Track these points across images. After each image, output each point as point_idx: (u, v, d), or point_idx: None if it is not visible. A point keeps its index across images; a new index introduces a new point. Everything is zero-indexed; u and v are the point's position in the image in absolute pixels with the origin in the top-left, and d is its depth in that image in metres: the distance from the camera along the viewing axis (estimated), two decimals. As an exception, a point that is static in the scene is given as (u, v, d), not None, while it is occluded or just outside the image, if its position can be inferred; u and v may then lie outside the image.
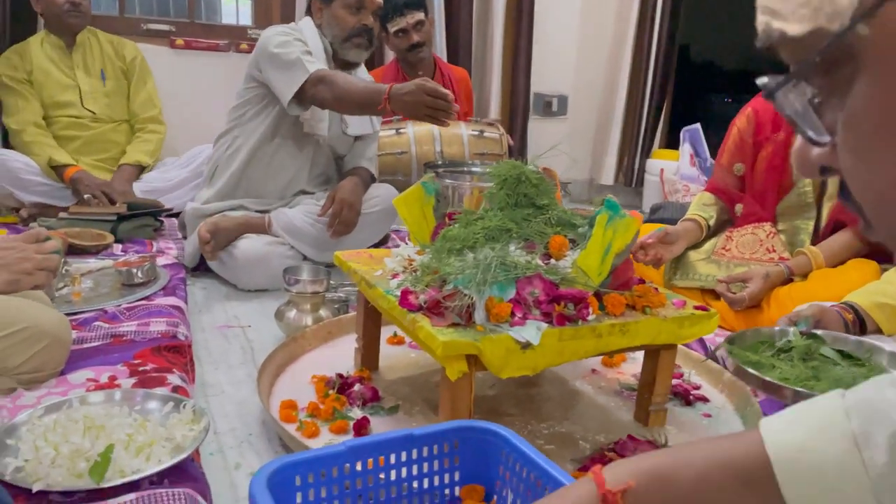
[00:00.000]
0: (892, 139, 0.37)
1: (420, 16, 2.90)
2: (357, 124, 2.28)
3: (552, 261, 1.19)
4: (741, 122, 1.92)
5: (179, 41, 3.18)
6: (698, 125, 3.79)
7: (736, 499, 0.55)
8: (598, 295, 1.16)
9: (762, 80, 0.42)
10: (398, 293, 1.17)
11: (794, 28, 0.39)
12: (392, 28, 2.90)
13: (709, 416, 1.36)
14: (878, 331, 1.49)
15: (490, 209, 1.27)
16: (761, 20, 0.43)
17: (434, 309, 1.09)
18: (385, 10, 2.89)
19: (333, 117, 2.21)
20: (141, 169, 2.71)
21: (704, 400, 1.42)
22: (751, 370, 1.32)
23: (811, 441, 0.53)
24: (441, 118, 1.80)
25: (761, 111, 1.88)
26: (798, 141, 0.44)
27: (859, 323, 1.47)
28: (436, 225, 1.36)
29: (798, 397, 1.21)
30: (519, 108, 3.71)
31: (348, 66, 2.20)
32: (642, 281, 1.28)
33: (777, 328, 1.45)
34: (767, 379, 1.29)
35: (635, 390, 1.43)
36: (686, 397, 1.40)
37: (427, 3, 3.06)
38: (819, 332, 1.41)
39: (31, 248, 1.15)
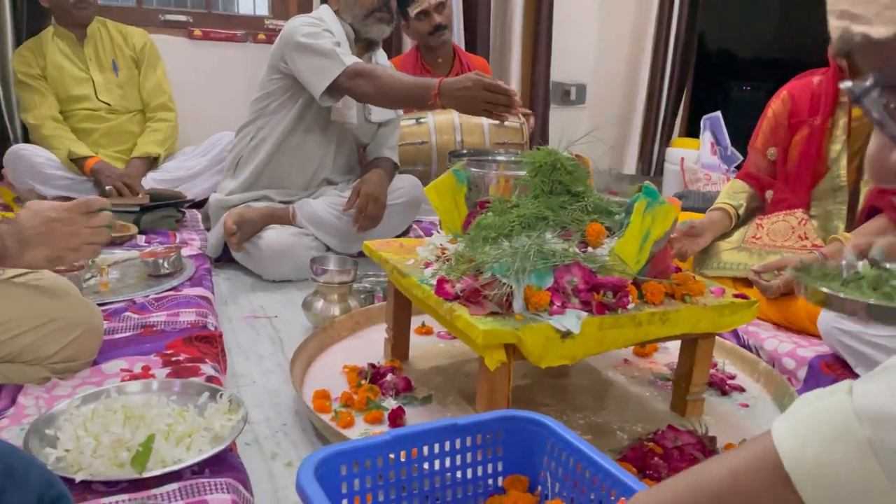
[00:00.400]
0: None
1: None
2: (380, 111, 2.26)
3: (589, 249, 1.17)
4: (776, 105, 1.89)
5: (197, 32, 3.17)
6: (719, 113, 3.75)
7: None
8: (636, 283, 1.14)
9: (846, 85, 0.41)
10: (433, 282, 1.16)
11: (881, 31, 0.39)
12: (413, 10, 2.86)
13: (746, 405, 1.34)
14: None
15: (525, 197, 1.25)
16: (838, 25, 0.42)
17: (472, 298, 1.08)
18: None
19: (359, 105, 2.19)
20: (153, 160, 2.71)
21: (740, 390, 1.40)
22: (825, 289, 1.17)
23: (828, 454, 0.49)
24: (501, 114, 1.74)
25: (797, 94, 1.85)
26: (873, 146, 0.43)
27: None
28: (468, 213, 1.34)
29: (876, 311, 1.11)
30: (539, 96, 3.68)
31: (371, 45, 2.18)
32: (679, 269, 1.26)
33: (844, 262, 1.31)
34: (849, 297, 1.14)
35: (669, 380, 1.42)
36: (722, 387, 1.38)
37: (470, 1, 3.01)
38: (889, 265, 1.27)
39: (81, 221, 1.12)
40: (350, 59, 1.95)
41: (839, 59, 1.76)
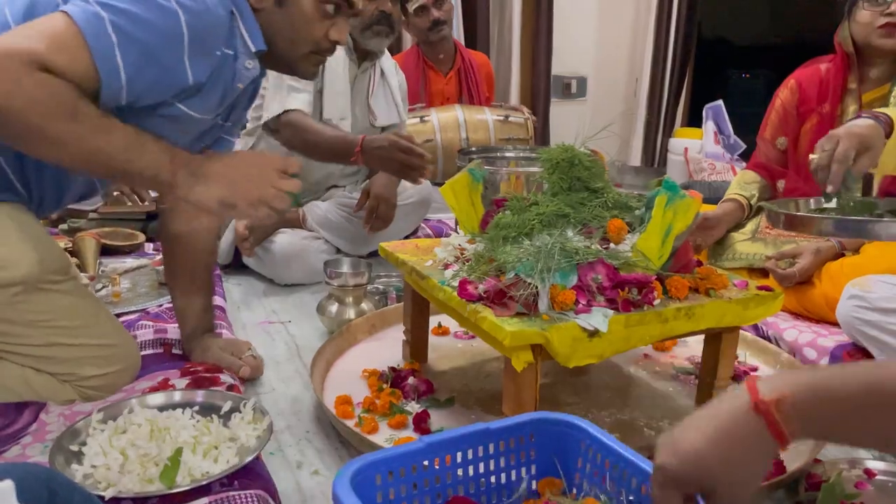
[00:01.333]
0: None
1: None
2: (384, 115, 2.23)
3: (611, 245, 1.16)
4: (784, 94, 1.87)
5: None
6: (720, 102, 3.73)
7: (889, 419, 0.53)
8: (660, 278, 1.13)
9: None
10: (454, 284, 1.14)
11: None
12: (411, 6, 2.83)
13: (771, 398, 1.33)
14: None
15: (543, 194, 1.24)
16: None
17: (496, 299, 1.07)
18: None
19: (360, 110, 2.17)
20: None
21: (764, 382, 1.38)
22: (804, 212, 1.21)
23: None
24: (413, 176, 1.77)
25: (805, 83, 1.83)
26: None
27: None
28: (485, 212, 1.33)
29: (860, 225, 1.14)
30: (540, 90, 3.66)
31: (369, 55, 2.15)
32: (701, 263, 1.25)
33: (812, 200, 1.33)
34: (811, 215, 1.18)
35: (691, 374, 1.40)
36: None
37: None
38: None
39: (271, 178, 1.06)
40: (294, 103, 1.89)
41: (846, 46, 1.74)
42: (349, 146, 1.78)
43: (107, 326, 1.22)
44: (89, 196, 1.33)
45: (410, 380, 1.33)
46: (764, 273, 1.73)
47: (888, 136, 1.24)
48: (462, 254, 1.26)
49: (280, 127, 1.89)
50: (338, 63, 2.05)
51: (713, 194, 2.71)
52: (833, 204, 1.27)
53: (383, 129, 2.30)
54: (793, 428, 0.58)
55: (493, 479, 0.89)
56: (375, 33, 2.07)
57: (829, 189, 1.20)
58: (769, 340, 1.57)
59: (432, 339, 1.52)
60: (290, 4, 1.20)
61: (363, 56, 2.14)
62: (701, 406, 0.65)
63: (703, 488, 0.62)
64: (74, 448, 0.99)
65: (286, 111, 1.88)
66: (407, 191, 2.20)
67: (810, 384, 0.58)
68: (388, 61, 2.25)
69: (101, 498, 0.88)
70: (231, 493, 0.91)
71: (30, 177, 1.15)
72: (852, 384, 0.56)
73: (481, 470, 0.88)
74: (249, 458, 0.97)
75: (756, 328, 1.63)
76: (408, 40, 3.25)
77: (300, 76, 1.32)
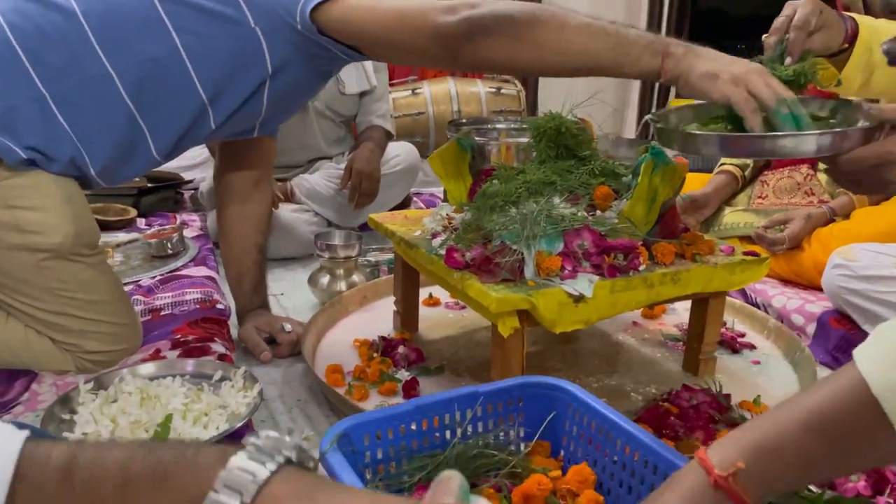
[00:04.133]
0: None
1: None
2: (354, 83, 2.20)
3: (598, 212, 1.16)
4: None
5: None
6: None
7: (848, 450, 0.54)
8: (646, 244, 1.14)
9: (885, 45, 0.42)
10: (442, 252, 1.15)
11: None
12: None
13: (757, 362, 1.35)
14: None
15: (530, 163, 1.24)
16: None
17: (482, 266, 1.07)
18: None
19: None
20: None
21: (751, 347, 1.40)
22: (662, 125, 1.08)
23: None
24: None
25: None
26: None
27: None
28: (473, 182, 1.33)
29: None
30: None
31: None
32: (688, 229, 1.26)
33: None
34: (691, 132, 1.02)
35: (679, 341, 1.42)
36: (732, 345, 1.39)
37: None
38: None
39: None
40: None
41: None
42: None
43: (120, 306, 1.23)
44: (135, 176, 1.35)
45: (401, 349, 1.34)
46: (753, 243, 1.74)
47: (850, 39, 1.12)
48: (450, 223, 1.27)
49: None
50: None
51: (707, 165, 2.71)
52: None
53: (361, 94, 2.27)
54: (755, 495, 0.59)
55: (481, 441, 0.90)
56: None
57: (788, 61, 1.06)
58: (758, 307, 1.58)
59: (423, 310, 1.53)
60: None
61: None
62: (658, 490, 0.64)
63: None
64: (66, 416, 1.00)
65: None
66: (393, 158, 2.19)
67: (757, 446, 0.59)
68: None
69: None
70: (222, 458, 0.92)
71: (96, 161, 1.17)
72: (792, 432, 0.57)
73: (469, 432, 0.89)
74: (240, 424, 0.98)
75: (745, 295, 1.64)
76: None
77: None
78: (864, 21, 1.17)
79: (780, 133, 0.97)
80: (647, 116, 1.13)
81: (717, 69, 1.00)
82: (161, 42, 1.12)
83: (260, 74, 1.18)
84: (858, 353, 0.57)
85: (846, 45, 1.11)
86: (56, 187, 1.13)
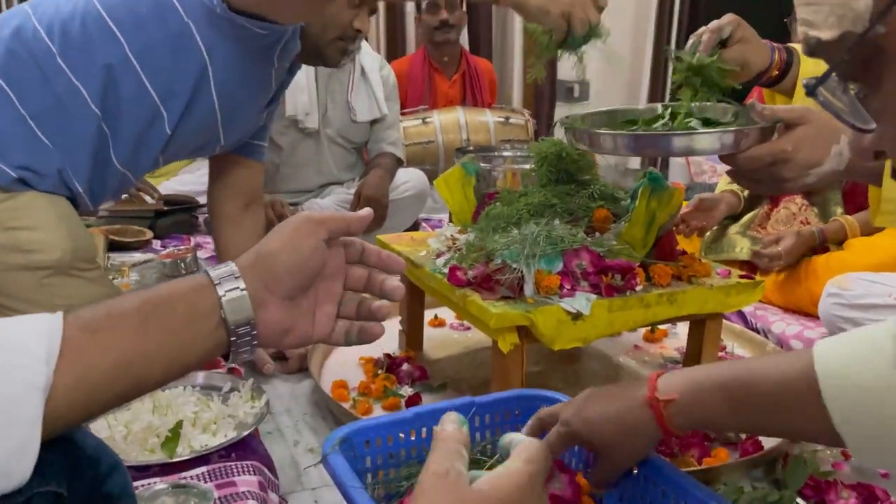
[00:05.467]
0: None
1: None
2: (365, 111, 2.28)
3: (596, 234, 1.20)
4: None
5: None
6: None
7: (783, 412, 0.60)
8: (644, 266, 1.17)
9: (805, 81, 0.47)
10: (445, 271, 1.19)
11: (826, 34, 0.47)
12: (425, 1, 2.90)
13: (755, 385, 1.37)
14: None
15: (532, 186, 1.29)
16: (801, 31, 0.50)
17: (483, 283, 1.11)
18: None
19: (340, 107, 2.23)
20: None
21: (749, 370, 1.42)
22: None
23: (856, 362, 0.59)
24: None
25: None
26: (853, 131, 0.51)
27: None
28: (477, 205, 1.38)
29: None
30: (544, 94, 3.73)
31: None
32: (685, 252, 1.29)
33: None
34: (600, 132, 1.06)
35: (679, 363, 1.44)
36: (731, 368, 1.41)
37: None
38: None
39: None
40: None
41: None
42: None
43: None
44: (120, 193, 1.41)
45: (405, 366, 1.37)
46: (752, 268, 1.77)
47: (781, 67, 1.20)
48: (454, 243, 1.31)
49: None
50: None
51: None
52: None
53: (372, 122, 2.33)
54: (676, 423, 0.70)
55: (477, 452, 0.93)
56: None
57: (698, 55, 1.14)
58: (757, 332, 1.61)
59: (429, 331, 1.56)
60: None
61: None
62: (612, 384, 0.81)
63: (592, 448, 0.78)
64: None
65: None
66: (403, 184, 2.24)
67: (696, 384, 0.69)
68: (368, 57, 2.31)
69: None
70: (228, 464, 0.96)
71: (79, 175, 1.23)
72: (731, 382, 0.66)
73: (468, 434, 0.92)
74: (247, 432, 1.02)
75: (745, 321, 1.67)
76: (410, 43, 3.31)
77: (326, 62, 1.45)
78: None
79: (679, 132, 1.02)
80: (559, 119, 1.19)
81: (547, 5, 1.11)
82: (113, 49, 1.20)
83: (198, 65, 1.23)
84: (819, 341, 0.63)
85: (776, 72, 1.19)
86: (50, 206, 1.18)
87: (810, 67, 1.18)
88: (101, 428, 0.99)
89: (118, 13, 1.20)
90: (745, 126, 1.01)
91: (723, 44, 1.16)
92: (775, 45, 1.22)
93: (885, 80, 0.45)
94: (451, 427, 0.52)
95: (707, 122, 1.12)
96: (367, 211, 0.70)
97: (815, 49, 0.49)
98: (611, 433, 0.74)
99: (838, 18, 0.45)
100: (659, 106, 1.20)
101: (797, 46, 1.25)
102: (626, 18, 3.94)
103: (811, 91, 0.47)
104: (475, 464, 0.87)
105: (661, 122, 1.14)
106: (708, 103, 1.12)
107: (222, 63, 1.25)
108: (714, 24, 1.16)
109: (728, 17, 1.17)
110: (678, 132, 1.02)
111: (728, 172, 1.10)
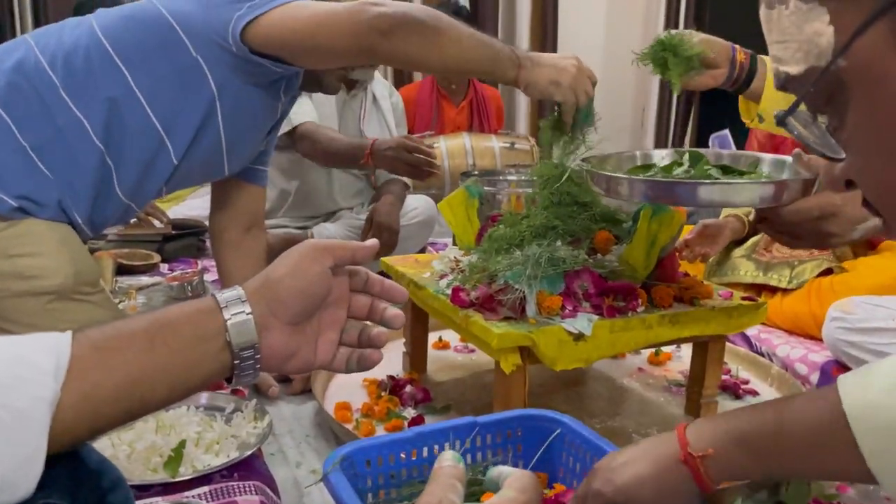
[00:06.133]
0: (883, 148, 0.45)
1: None
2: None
3: (598, 255, 1.21)
4: (758, 131, 1.94)
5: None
6: (727, 131, 3.78)
7: (818, 457, 0.58)
8: (645, 287, 1.18)
9: (775, 112, 0.50)
10: (448, 292, 1.20)
11: (794, 69, 0.49)
12: None
13: (760, 408, 1.36)
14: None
15: (535, 209, 1.30)
16: (773, 66, 0.53)
17: (486, 304, 1.12)
18: None
19: (352, 135, 2.26)
20: None
21: (754, 393, 1.42)
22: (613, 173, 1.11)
23: (885, 398, 0.55)
24: (421, 175, 1.95)
25: None
26: (824, 161, 0.53)
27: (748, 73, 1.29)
28: (480, 227, 1.39)
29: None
30: (548, 112, 3.76)
31: (358, 82, 2.23)
32: (687, 274, 1.29)
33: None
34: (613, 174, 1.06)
35: (683, 386, 1.44)
36: (735, 391, 1.41)
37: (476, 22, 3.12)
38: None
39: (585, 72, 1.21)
40: (299, 118, 2.03)
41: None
42: (360, 149, 1.93)
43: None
44: (123, 222, 1.43)
45: (408, 388, 1.37)
46: (757, 291, 1.76)
47: (742, 68, 1.28)
48: (457, 265, 1.32)
49: (296, 139, 2.04)
50: None
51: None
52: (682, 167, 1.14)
53: None
54: (716, 478, 0.67)
55: (480, 472, 0.93)
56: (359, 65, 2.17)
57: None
58: (762, 356, 1.60)
59: (433, 353, 1.56)
60: None
61: (351, 84, 2.23)
62: (638, 444, 0.76)
63: None
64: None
65: (300, 125, 2.02)
66: (412, 211, 2.26)
67: (730, 436, 0.66)
68: (379, 85, 2.35)
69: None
70: (231, 484, 0.96)
71: (79, 206, 1.24)
72: (764, 432, 0.63)
73: (468, 462, 0.92)
74: (249, 452, 1.02)
75: (750, 344, 1.66)
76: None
77: (325, 90, 1.48)
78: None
79: (717, 180, 0.97)
80: (580, 161, 1.22)
81: (557, 78, 1.18)
82: (117, 82, 1.22)
83: (206, 99, 1.26)
84: (842, 377, 0.61)
85: (738, 71, 1.27)
86: (50, 232, 1.20)
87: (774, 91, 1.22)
88: (104, 447, 1.00)
89: (123, 46, 1.22)
90: (791, 178, 0.95)
91: None
92: (737, 46, 1.29)
93: (849, 112, 0.46)
94: (448, 464, 0.54)
95: (726, 171, 1.09)
96: (373, 242, 0.71)
97: (785, 83, 0.51)
98: (650, 498, 0.70)
99: (805, 54, 0.48)
100: (665, 152, 1.22)
101: (765, 58, 1.30)
102: (632, 37, 3.98)
103: (780, 121, 0.49)
104: (471, 496, 0.88)
105: (680, 169, 1.12)
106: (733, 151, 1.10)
107: (232, 97, 1.28)
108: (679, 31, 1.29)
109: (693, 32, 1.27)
110: (718, 181, 0.97)
111: (759, 225, 1.07)
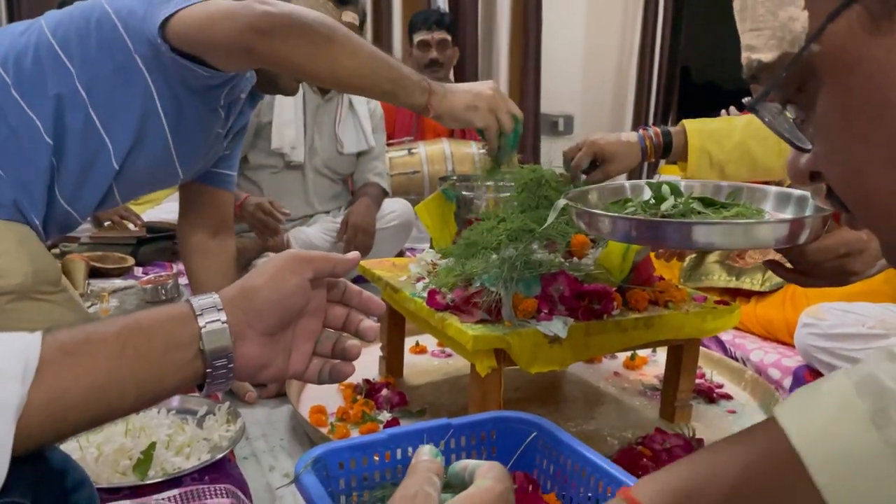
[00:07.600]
0: (852, 135, 0.44)
1: (445, 36, 2.98)
2: (353, 143, 2.30)
3: (574, 259, 1.22)
4: None
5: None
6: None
7: (771, 498, 0.55)
8: (621, 291, 1.18)
9: (746, 100, 0.49)
10: (424, 295, 1.20)
11: (767, 56, 0.48)
12: (416, 38, 2.97)
13: (734, 412, 1.37)
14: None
15: (511, 211, 1.30)
16: (744, 55, 0.52)
17: (462, 307, 1.12)
18: (414, 21, 2.99)
19: (327, 139, 2.25)
20: None
21: (728, 397, 1.43)
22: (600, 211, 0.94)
23: (832, 427, 0.52)
24: (261, 234, 2.03)
25: None
26: (790, 153, 0.51)
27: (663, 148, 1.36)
28: (457, 230, 1.39)
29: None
30: (529, 128, 3.78)
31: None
32: (662, 278, 1.30)
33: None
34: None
35: (659, 390, 1.44)
36: (710, 395, 1.41)
37: (458, 36, 3.14)
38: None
39: (502, 102, 1.20)
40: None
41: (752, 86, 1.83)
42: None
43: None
44: (67, 230, 1.39)
45: (384, 391, 1.36)
46: (731, 296, 1.78)
47: (657, 153, 1.39)
48: (434, 268, 1.32)
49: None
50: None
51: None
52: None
53: (358, 154, 2.35)
54: None
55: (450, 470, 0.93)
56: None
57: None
58: (736, 360, 1.62)
59: (410, 357, 1.56)
60: None
61: (325, 88, 2.23)
62: None
63: None
64: (52, 445, 1.02)
65: None
66: (389, 214, 2.26)
67: (683, 489, 0.59)
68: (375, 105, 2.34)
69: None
70: (201, 487, 0.95)
71: (34, 208, 1.22)
72: (715, 486, 0.57)
73: (442, 464, 0.92)
74: (221, 455, 1.00)
75: (724, 349, 1.68)
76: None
77: (283, 91, 1.45)
78: (693, 127, 1.37)
79: (728, 221, 0.85)
80: (561, 199, 1.08)
81: (474, 102, 1.18)
82: (63, 79, 1.20)
83: (145, 99, 1.23)
84: (778, 410, 0.56)
85: (652, 158, 1.41)
86: (7, 231, 1.18)
87: (696, 141, 1.35)
88: (72, 449, 0.98)
89: (69, 44, 1.21)
90: (812, 214, 0.84)
91: (593, 163, 1.38)
92: (646, 132, 1.40)
93: (819, 100, 0.46)
94: (425, 458, 0.55)
95: (709, 204, 0.96)
96: (354, 254, 0.71)
97: (756, 72, 0.50)
98: None
99: (778, 41, 0.47)
100: (644, 183, 1.06)
101: (686, 122, 1.39)
102: (610, 56, 4.03)
103: (751, 108, 0.49)
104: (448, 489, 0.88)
105: (668, 204, 0.95)
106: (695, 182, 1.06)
107: (171, 99, 1.25)
108: (575, 163, 1.39)
109: (585, 149, 1.36)
110: (733, 221, 0.84)
111: (769, 264, 0.97)
